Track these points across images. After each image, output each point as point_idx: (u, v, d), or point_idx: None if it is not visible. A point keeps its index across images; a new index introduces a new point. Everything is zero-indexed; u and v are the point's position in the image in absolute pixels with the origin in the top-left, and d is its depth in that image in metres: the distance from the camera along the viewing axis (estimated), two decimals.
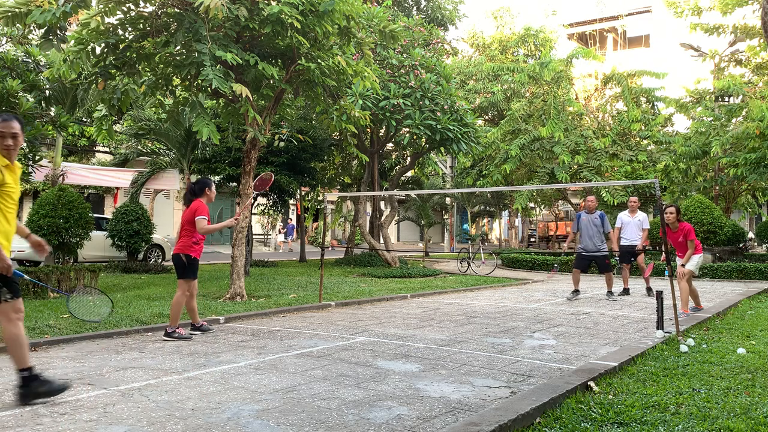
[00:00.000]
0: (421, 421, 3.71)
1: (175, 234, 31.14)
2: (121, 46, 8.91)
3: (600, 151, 19.34)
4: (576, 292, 10.92)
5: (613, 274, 11.40)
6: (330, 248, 27.93)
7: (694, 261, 8.53)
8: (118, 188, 24.31)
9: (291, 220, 34.64)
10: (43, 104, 11.51)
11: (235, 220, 7.39)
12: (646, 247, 11.50)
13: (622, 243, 11.29)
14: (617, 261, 12.74)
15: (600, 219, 10.63)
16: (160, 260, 16.81)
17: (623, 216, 11.43)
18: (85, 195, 25.19)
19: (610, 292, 10.88)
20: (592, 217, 10.66)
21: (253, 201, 10.89)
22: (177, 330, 6.56)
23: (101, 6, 8.06)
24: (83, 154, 27.02)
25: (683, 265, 8.39)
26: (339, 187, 22.73)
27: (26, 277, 5.24)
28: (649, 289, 11.27)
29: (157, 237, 16.84)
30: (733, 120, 18.33)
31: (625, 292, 11.39)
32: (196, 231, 6.65)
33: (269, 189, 16.92)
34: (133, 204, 14.96)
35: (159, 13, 8.85)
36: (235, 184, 16.47)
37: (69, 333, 6.36)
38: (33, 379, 4.00)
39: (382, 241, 19.50)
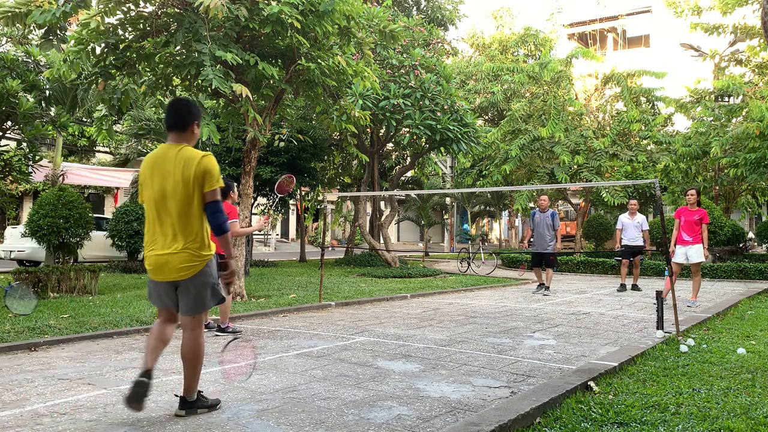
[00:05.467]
0: (421, 421, 3.71)
1: None
2: (121, 46, 8.90)
3: (600, 152, 19.33)
4: (541, 285, 11.65)
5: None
6: (330, 248, 27.92)
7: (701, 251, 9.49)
8: (118, 188, 24.34)
9: None
10: (43, 104, 11.52)
11: (264, 222, 7.81)
12: (645, 249, 12.15)
13: (624, 243, 11.89)
14: (618, 261, 13.17)
15: (551, 218, 11.34)
16: None
17: (623, 218, 11.97)
18: (85, 195, 25.20)
19: (547, 287, 11.61)
20: (545, 216, 11.37)
21: (253, 201, 10.97)
22: (229, 325, 6.85)
23: (101, 6, 8.06)
24: (83, 154, 27.04)
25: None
26: (339, 187, 22.73)
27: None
28: (634, 286, 12.30)
29: None
30: (733, 120, 18.31)
31: (623, 288, 12.22)
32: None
33: (269, 189, 16.92)
34: (133, 204, 14.94)
35: (159, 13, 8.85)
36: (235, 184, 16.44)
37: (69, 333, 6.36)
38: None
39: (382, 241, 19.49)
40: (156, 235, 3.72)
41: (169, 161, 3.70)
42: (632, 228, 11.74)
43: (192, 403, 3.79)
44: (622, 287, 12.17)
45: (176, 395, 3.92)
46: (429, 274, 15.68)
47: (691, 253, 9.45)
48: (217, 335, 6.70)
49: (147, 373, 3.65)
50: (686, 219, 9.53)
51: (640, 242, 11.81)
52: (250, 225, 10.25)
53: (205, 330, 6.74)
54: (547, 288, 11.60)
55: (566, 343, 6.47)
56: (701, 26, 18.47)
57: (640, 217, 11.79)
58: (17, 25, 7.68)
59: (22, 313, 6.00)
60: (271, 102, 9.73)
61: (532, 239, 11.73)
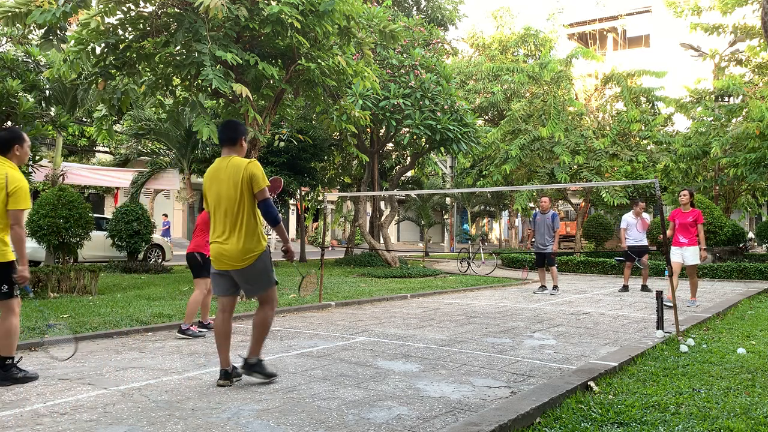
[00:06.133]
0: (421, 421, 3.71)
1: (177, 234, 30.62)
2: (121, 46, 8.92)
3: (600, 152, 19.33)
4: (543, 287, 11.81)
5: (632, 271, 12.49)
6: (330, 248, 27.92)
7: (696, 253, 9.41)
8: (118, 188, 24.31)
9: (166, 216, 24.77)
10: (43, 104, 11.51)
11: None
12: (650, 248, 12.17)
13: (629, 243, 11.82)
14: (617, 261, 13.21)
15: (551, 219, 11.57)
16: (160, 260, 16.81)
17: (628, 218, 11.92)
18: (85, 195, 25.18)
19: (555, 286, 11.70)
20: (545, 217, 11.61)
21: None
22: (191, 327, 6.59)
23: (101, 6, 8.07)
24: (83, 154, 27.02)
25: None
26: (339, 187, 22.73)
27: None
28: (644, 287, 12.22)
29: (157, 237, 16.83)
30: (733, 120, 18.31)
31: (625, 288, 12.17)
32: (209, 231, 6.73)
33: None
34: (133, 204, 14.95)
35: (159, 13, 8.86)
36: None
37: (69, 333, 6.35)
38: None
39: (382, 241, 19.49)
40: (216, 232, 4.47)
41: (222, 171, 4.43)
42: (636, 228, 11.78)
43: (251, 365, 4.49)
44: (625, 288, 12.14)
45: (240, 355, 4.54)
46: (429, 274, 15.68)
47: (687, 255, 9.41)
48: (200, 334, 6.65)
49: (226, 374, 4.48)
50: (680, 221, 9.41)
51: (645, 242, 11.84)
52: None
53: (206, 330, 6.80)
54: (555, 287, 11.66)
55: (566, 343, 6.47)
56: (701, 26, 18.48)
57: (644, 216, 11.84)
58: (17, 25, 7.69)
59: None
60: (271, 102, 9.74)
61: (533, 240, 11.94)
